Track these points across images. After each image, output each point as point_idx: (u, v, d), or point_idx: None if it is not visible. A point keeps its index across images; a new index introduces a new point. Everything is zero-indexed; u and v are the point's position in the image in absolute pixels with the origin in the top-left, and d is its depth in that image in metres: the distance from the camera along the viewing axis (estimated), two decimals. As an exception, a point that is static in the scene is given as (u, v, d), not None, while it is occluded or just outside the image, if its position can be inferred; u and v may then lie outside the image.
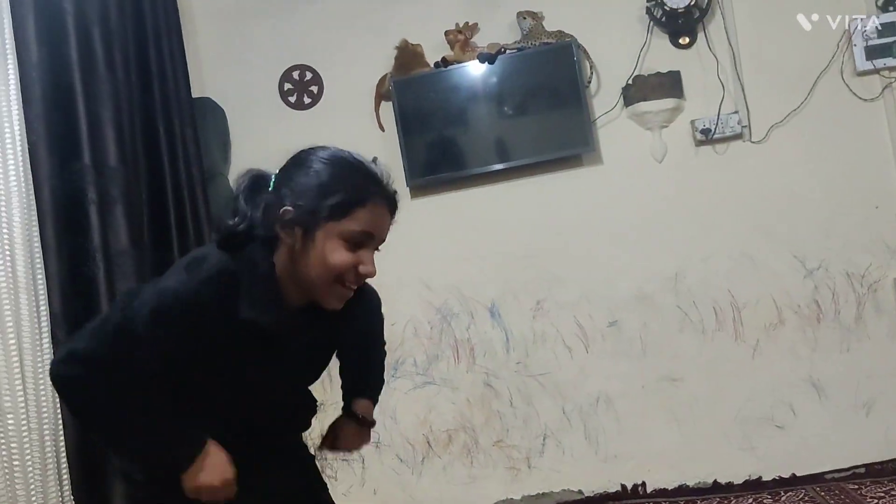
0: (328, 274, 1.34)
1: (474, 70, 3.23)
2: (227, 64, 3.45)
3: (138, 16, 2.82)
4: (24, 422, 1.98)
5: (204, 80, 3.42)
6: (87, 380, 1.33)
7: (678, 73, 3.15)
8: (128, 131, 2.60)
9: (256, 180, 1.40)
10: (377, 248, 1.40)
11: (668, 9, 3.09)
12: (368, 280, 1.51)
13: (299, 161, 1.40)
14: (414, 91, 3.27)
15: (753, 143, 3.12)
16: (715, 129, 3.10)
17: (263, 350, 1.39)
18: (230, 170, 3.35)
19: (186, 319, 1.31)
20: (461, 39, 3.25)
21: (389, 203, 1.39)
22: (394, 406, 3.30)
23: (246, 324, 1.32)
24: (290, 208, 1.33)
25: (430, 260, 3.31)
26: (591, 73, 3.21)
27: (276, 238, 1.36)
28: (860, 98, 3.07)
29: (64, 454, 2.13)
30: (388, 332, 3.19)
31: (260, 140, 3.37)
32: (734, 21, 3.11)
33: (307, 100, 3.39)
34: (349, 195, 1.33)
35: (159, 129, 2.82)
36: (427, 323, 3.32)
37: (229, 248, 1.35)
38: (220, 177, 3.23)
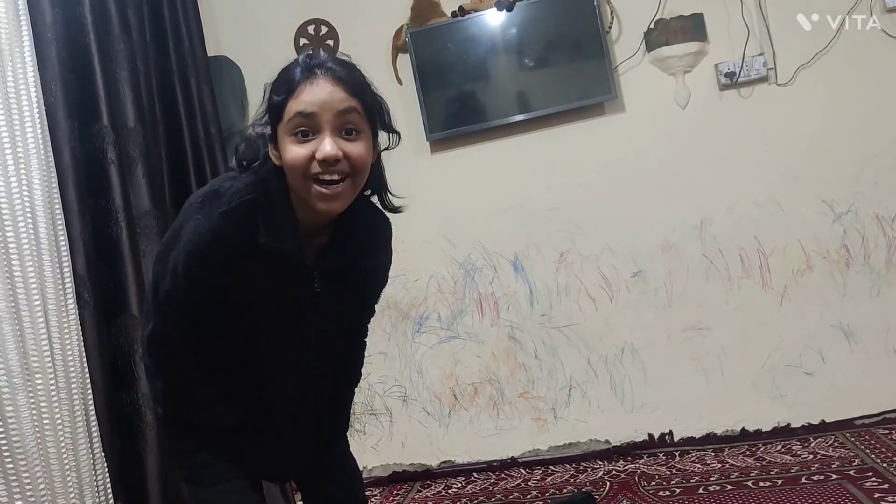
0: (295, 175, 1.30)
1: (492, 19, 3.17)
2: (241, 21, 3.41)
3: (150, -26, 2.79)
4: (52, 381, 2.01)
5: (219, 39, 3.40)
6: (173, 356, 1.44)
7: (701, 15, 3.06)
8: (145, 92, 2.58)
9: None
10: (352, 128, 1.30)
11: (690, -52, 3.01)
12: (394, 218, 1.54)
13: None
14: (431, 43, 3.22)
15: (780, 85, 3.04)
16: (740, 72, 3.02)
17: (290, 282, 1.40)
18: (248, 129, 3.33)
19: (215, 257, 1.33)
20: (478, -13, 3.18)
21: (327, 73, 1.29)
22: (419, 360, 3.32)
23: (269, 252, 1.33)
24: (262, 133, 1.36)
25: (453, 215, 3.30)
26: (612, 18, 3.14)
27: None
28: (891, 36, 2.97)
29: (93, 412, 2.16)
30: (412, 288, 3.27)
31: (278, 98, 3.34)
32: (759, -41, 3.02)
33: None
34: (275, 94, 1.31)
35: (176, 89, 2.80)
36: (451, 278, 3.32)
37: (246, 170, 1.37)
38: (239, 136, 3.22)
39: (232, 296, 1.38)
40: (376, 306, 1.71)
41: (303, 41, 3.36)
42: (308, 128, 1.27)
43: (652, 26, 3.09)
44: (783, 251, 3.07)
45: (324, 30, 3.35)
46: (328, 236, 1.43)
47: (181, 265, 1.35)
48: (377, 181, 1.47)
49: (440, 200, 3.28)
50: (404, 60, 3.27)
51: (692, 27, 3.04)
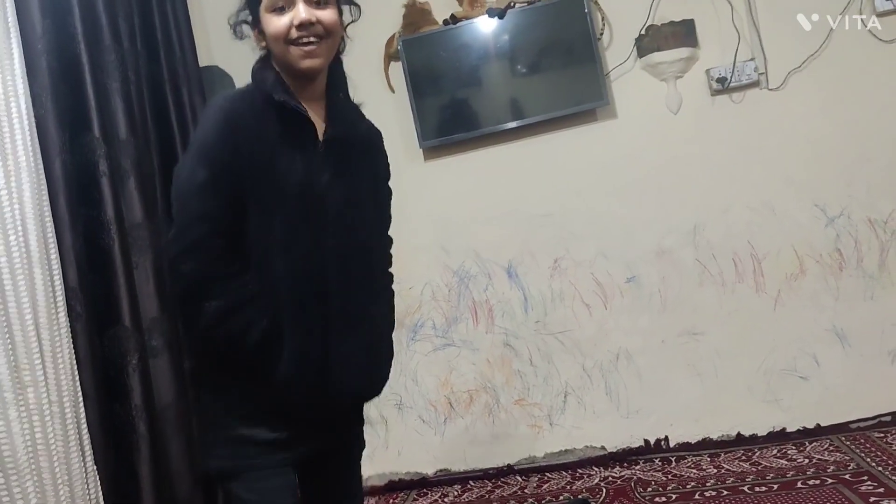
0: (278, 43, 1.49)
1: (484, 26, 3.17)
2: (233, 30, 3.40)
3: (142, -16, 2.78)
4: (44, 395, 1.99)
5: (211, 48, 3.39)
6: (210, 258, 1.46)
7: (692, 21, 3.07)
8: (136, 102, 2.57)
9: None
10: (318, 1, 1.49)
11: (680, -45, 3.02)
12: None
13: None
14: (423, 50, 3.22)
15: (771, 90, 3.05)
16: (731, 77, 3.03)
17: (301, 148, 1.52)
18: (241, 138, 3.32)
19: (230, 131, 1.47)
20: (469, -5, 3.18)
21: None
22: (414, 368, 3.31)
23: (280, 113, 1.50)
24: (245, 21, 1.57)
25: (446, 222, 3.29)
26: (603, 25, 3.14)
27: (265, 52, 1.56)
28: (881, 40, 2.98)
29: (85, 425, 2.14)
30: (407, 296, 3.27)
31: (270, 107, 3.35)
32: (749, -36, 3.03)
33: (315, 64, 3.35)
34: None
35: (168, 99, 2.79)
36: (445, 286, 3.31)
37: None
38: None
39: (252, 172, 1.48)
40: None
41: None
42: (284, 3, 1.48)
43: (643, 32, 3.09)
44: (776, 255, 3.07)
45: (315, 38, 3.34)
46: (322, 113, 1.59)
47: (203, 150, 1.47)
48: (342, 81, 1.65)
49: (434, 208, 3.28)
50: (397, 68, 3.27)
51: (683, 33, 3.05)
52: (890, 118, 2.99)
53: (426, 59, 3.23)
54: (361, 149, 1.65)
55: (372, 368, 1.66)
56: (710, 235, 3.11)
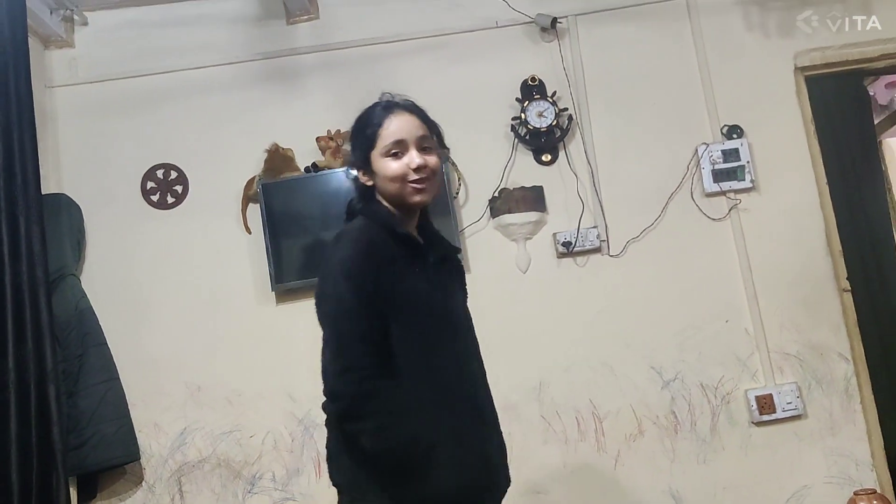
0: (395, 183, 1.75)
1: (344, 176, 3.23)
2: (87, 160, 3.32)
3: (-14, 110, 2.69)
4: None
5: (62, 176, 3.29)
6: (375, 375, 1.61)
7: (541, 188, 3.26)
8: (-36, 229, 2.44)
9: None
10: (427, 147, 1.78)
11: (531, 128, 3.23)
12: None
13: None
14: (283, 194, 3.23)
15: (611, 256, 3.24)
16: (575, 242, 3.20)
17: (424, 266, 1.75)
18: (82, 269, 3.18)
19: (367, 255, 1.66)
20: (332, 146, 3.26)
21: (403, 109, 1.79)
22: (249, 524, 3.11)
23: (403, 241, 1.74)
24: (353, 163, 1.83)
25: (295, 369, 3.19)
26: (459, 185, 3.28)
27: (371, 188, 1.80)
28: (709, 217, 3.25)
29: None
30: (246, 445, 3.11)
31: (119, 238, 3.27)
32: (592, 142, 3.28)
33: (171, 199, 3.29)
34: (368, 129, 1.78)
35: (2, 229, 2.65)
36: (288, 435, 3.18)
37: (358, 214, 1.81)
38: (71, 277, 3.06)
39: (391, 294, 1.65)
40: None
41: (150, 184, 3.30)
42: (398, 149, 1.75)
43: (496, 195, 3.25)
44: (616, 415, 3.16)
45: (173, 175, 3.30)
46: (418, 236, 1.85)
47: (349, 276, 1.63)
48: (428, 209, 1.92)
49: (282, 353, 3.19)
50: (254, 210, 3.26)
51: (533, 198, 3.22)
52: (716, 290, 3.22)
53: (285, 202, 3.23)
54: (452, 264, 1.93)
55: (505, 464, 1.89)
56: (554, 393, 3.17)
